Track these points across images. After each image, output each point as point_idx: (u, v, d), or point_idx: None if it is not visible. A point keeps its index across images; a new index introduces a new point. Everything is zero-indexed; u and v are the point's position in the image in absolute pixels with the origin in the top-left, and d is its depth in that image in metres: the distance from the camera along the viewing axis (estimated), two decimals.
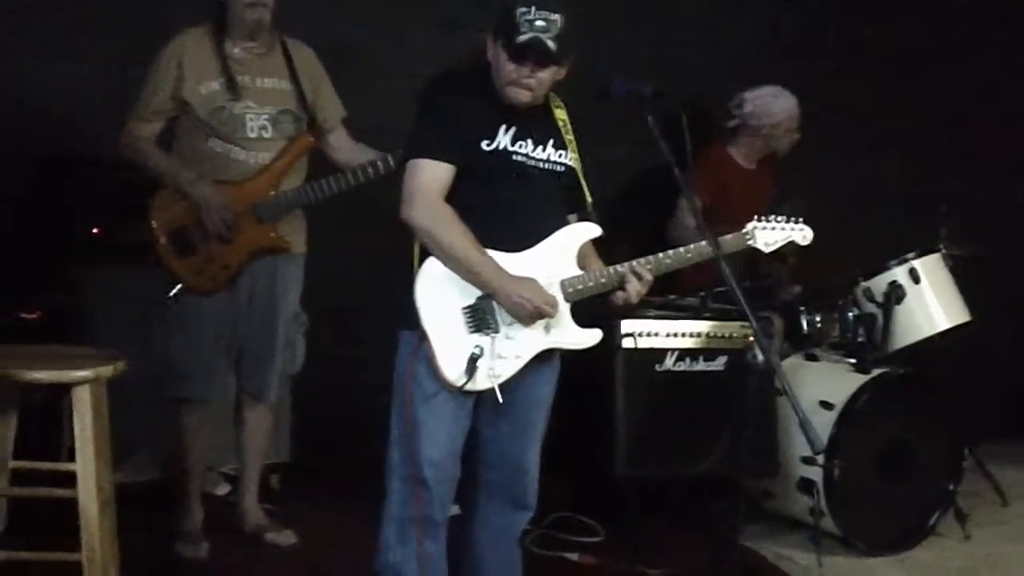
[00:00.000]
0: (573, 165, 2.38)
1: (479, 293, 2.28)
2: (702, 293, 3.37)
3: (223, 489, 3.48)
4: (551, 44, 2.21)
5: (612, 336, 3.09)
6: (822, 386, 3.35)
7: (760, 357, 2.48)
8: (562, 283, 2.33)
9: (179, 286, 2.95)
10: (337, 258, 3.41)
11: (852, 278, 3.60)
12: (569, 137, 2.38)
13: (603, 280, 2.35)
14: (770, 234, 2.52)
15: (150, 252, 2.94)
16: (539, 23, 2.20)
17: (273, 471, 3.53)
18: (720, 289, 3.22)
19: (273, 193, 2.99)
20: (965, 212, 3.75)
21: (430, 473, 2.28)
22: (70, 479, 2.38)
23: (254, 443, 3.20)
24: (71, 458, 2.39)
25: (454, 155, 2.27)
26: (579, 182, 2.40)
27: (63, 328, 3.09)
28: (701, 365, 3.21)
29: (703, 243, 2.40)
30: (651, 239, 3.15)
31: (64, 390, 2.36)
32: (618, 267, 2.36)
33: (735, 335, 3.23)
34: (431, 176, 2.26)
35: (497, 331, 2.28)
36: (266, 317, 3.07)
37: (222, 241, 2.94)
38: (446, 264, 2.27)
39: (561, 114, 2.41)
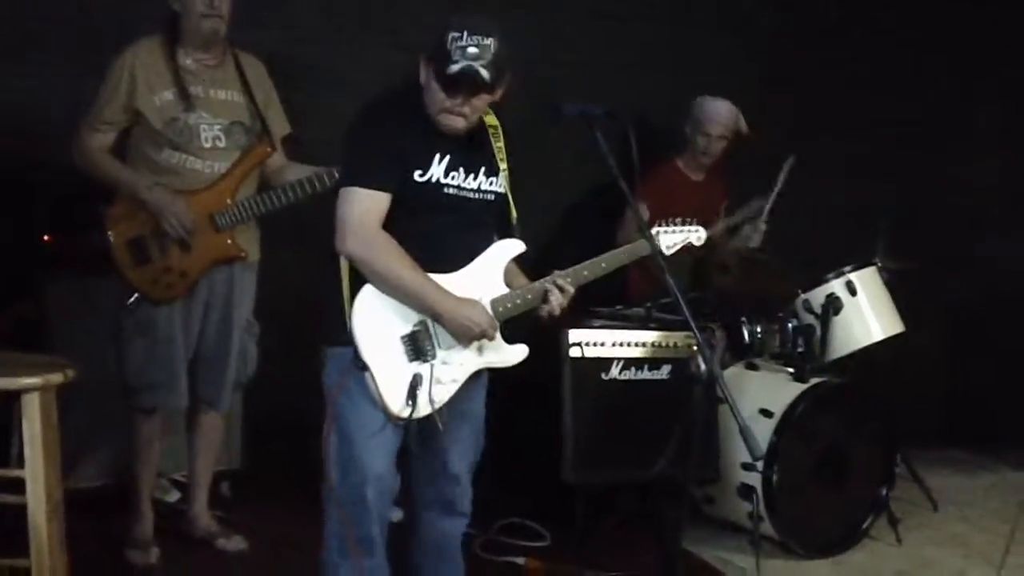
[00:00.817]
0: (504, 192, 2.36)
1: (416, 320, 2.27)
2: (648, 304, 3.46)
3: (173, 496, 3.48)
4: (484, 73, 2.13)
5: (560, 346, 3.16)
6: (762, 395, 3.44)
7: (703, 366, 2.56)
8: (492, 303, 2.33)
9: (136, 295, 2.94)
10: (289, 267, 3.42)
11: (792, 290, 3.71)
12: (502, 156, 2.35)
13: (530, 297, 2.36)
14: (670, 237, 2.62)
15: (107, 261, 2.93)
16: (471, 50, 2.11)
17: (224, 478, 3.53)
18: (665, 300, 3.31)
19: (230, 202, 3.00)
20: (902, 226, 3.88)
21: (372, 492, 2.29)
22: (19, 485, 2.37)
23: (206, 450, 3.22)
24: (21, 464, 2.39)
25: (389, 184, 2.22)
26: (509, 205, 2.38)
27: (22, 335, 3.06)
28: (646, 374, 3.27)
29: (616, 251, 2.46)
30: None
31: (14, 397, 2.36)
32: (542, 281, 2.37)
33: (679, 345, 3.31)
34: (366, 206, 2.21)
35: (435, 357, 2.28)
36: (222, 325, 3.09)
37: (182, 248, 2.94)
38: (387, 292, 2.24)
39: (493, 121, 2.35)
